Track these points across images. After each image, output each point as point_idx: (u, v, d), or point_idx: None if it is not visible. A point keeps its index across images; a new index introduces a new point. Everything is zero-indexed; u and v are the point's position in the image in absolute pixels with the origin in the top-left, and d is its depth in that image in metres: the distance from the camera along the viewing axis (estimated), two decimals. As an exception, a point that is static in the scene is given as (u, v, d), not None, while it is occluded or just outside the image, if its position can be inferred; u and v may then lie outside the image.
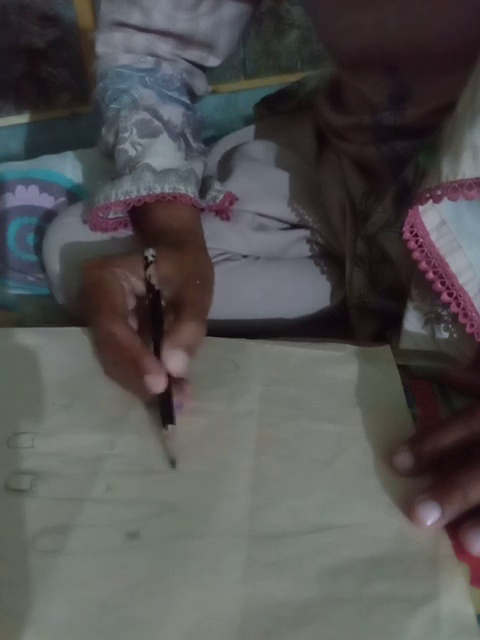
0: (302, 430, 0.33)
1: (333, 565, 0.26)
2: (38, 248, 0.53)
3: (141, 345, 0.33)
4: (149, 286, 0.37)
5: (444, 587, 0.25)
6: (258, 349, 0.39)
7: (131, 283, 0.37)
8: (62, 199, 0.64)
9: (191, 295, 0.36)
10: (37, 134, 0.89)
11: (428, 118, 0.42)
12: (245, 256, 0.53)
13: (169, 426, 0.31)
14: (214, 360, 0.38)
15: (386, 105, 0.46)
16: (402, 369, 0.38)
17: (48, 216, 0.62)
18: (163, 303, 0.37)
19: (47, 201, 0.64)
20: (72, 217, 0.50)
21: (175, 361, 0.32)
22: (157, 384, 0.32)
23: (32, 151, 0.74)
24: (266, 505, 0.28)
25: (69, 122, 0.91)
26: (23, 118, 0.88)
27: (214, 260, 0.51)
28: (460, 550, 0.26)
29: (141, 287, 0.38)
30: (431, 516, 0.27)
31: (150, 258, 0.38)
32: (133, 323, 0.37)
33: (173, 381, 0.33)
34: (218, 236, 0.51)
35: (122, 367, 0.34)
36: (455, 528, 0.27)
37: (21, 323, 0.56)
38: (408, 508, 0.28)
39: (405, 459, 0.30)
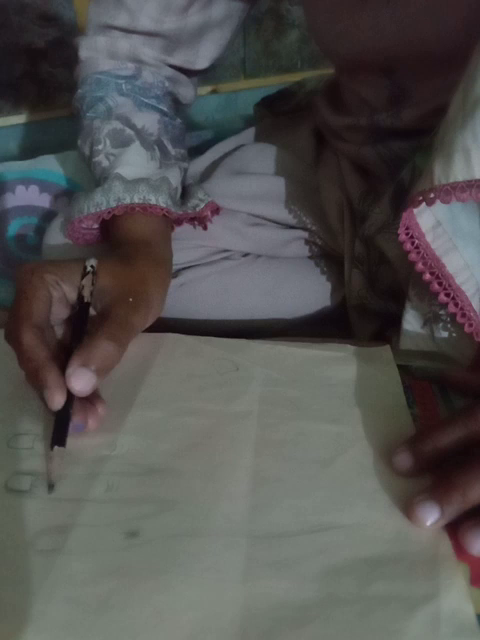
0: (302, 430, 0.33)
1: (333, 565, 0.26)
2: (38, 248, 0.54)
3: (46, 357, 0.31)
4: (79, 297, 0.35)
5: (444, 587, 0.25)
6: (258, 349, 0.39)
7: (63, 291, 0.35)
8: (62, 199, 0.64)
9: (117, 313, 0.34)
10: (37, 134, 0.89)
11: (425, 119, 0.42)
12: (245, 255, 0.53)
13: (55, 448, 0.29)
14: (214, 360, 0.38)
15: (383, 107, 0.46)
16: (402, 369, 0.38)
17: (48, 216, 0.62)
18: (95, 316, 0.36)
19: (47, 201, 0.64)
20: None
21: (78, 380, 0.30)
22: (53, 401, 0.30)
23: (32, 151, 0.74)
24: (266, 505, 0.28)
25: (69, 122, 0.90)
26: (23, 118, 0.88)
27: (212, 259, 0.51)
28: (460, 550, 0.26)
29: (75, 296, 0.36)
30: (430, 516, 0.27)
31: (88, 268, 0.36)
32: (59, 331, 0.35)
33: (81, 399, 0.31)
34: (213, 235, 0.51)
35: (27, 376, 0.32)
36: (455, 528, 0.27)
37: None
38: (407, 508, 0.28)
39: (404, 459, 0.30)
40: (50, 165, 0.66)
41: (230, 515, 0.28)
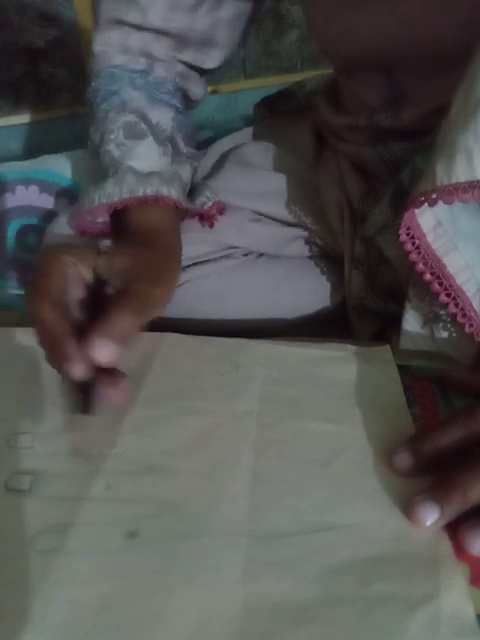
0: (302, 430, 0.33)
1: (333, 565, 0.26)
2: (38, 248, 0.54)
3: (65, 330, 0.32)
4: (95, 276, 0.36)
5: (444, 587, 0.25)
6: (258, 349, 0.39)
7: (79, 271, 0.36)
8: (62, 199, 0.64)
9: (136, 287, 0.35)
10: (37, 134, 0.89)
11: (425, 120, 0.42)
12: (245, 255, 0.53)
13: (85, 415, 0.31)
14: (214, 360, 0.38)
15: (383, 107, 0.46)
16: (402, 369, 0.38)
17: (48, 216, 0.62)
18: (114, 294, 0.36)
19: (47, 201, 0.64)
20: (72, 217, 0.50)
21: (101, 350, 0.31)
22: (75, 370, 0.31)
23: (32, 151, 0.74)
24: (266, 505, 0.28)
25: (69, 122, 0.91)
26: (23, 118, 0.88)
27: (213, 258, 0.51)
28: (460, 550, 0.26)
29: (90, 276, 0.36)
30: (430, 516, 0.27)
31: (102, 248, 0.37)
32: (75, 311, 0.35)
33: (103, 371, 0.32)
34: (216, 230, 0.51)
35: (48, 351, 0.32)
36: (455, 528, 0.27)
37: (21, 323, 0.56)
38: (407, 508, 0.28)
39: (404, 459, 0.30)
40: (50, 165, 0.66)
41: (230, 515, 0.28)
